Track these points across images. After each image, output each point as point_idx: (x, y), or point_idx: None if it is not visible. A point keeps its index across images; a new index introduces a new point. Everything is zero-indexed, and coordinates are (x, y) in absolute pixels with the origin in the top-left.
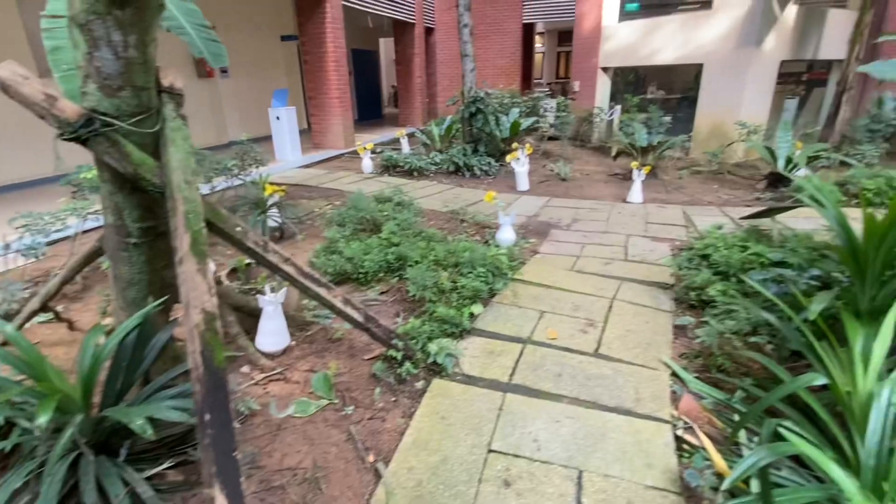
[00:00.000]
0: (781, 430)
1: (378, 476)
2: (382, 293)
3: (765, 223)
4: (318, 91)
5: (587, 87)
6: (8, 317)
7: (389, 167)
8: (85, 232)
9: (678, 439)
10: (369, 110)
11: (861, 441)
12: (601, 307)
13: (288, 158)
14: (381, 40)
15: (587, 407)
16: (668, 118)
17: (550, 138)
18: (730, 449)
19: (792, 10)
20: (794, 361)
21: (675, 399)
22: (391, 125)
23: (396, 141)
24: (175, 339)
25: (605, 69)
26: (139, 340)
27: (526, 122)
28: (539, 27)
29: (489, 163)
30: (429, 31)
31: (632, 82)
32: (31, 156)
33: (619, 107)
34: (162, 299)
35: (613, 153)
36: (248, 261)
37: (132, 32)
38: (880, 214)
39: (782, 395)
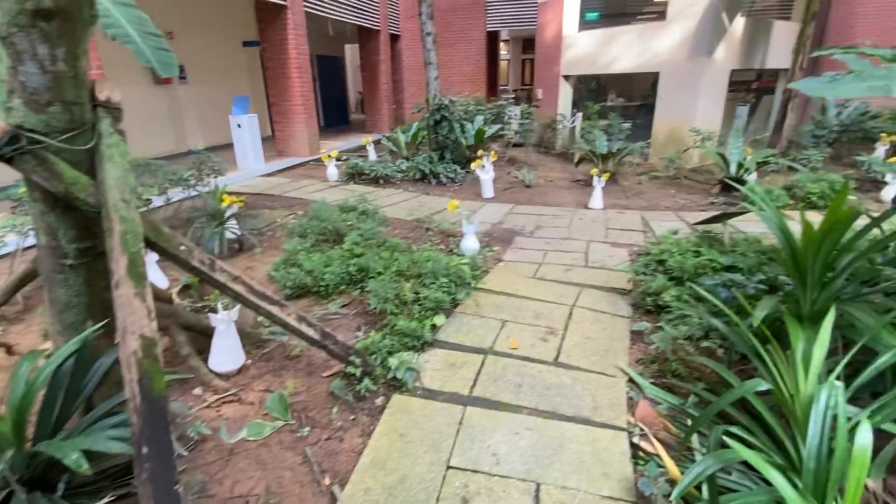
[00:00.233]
0: (727, 437)
1: (334, 499)
2: (344, 306)
3: (717, 227)
4: (282, 98)
5: (550, 95)
6: None
7: (355, 175)
8: (26, 249)
9: (634, 446)
10: (336, 116)
11: (804, 444)
12: (561, 314)
13: (250, 167)
14: (347, 46)
15: (546, 417)
16: (627, 125)
17: (515, 145)
18: (683, 454)
19: (740, 22)
20: (744, 364)
21: (631, 406)
22: (358, 131)
23: (363, 148)
24: (120, 363)
25: (566, 77)
26: (78, 367)
27: (491, 130)
28: (504, 35)
29: (455, 170)
30: (394, 38)
31: (593, 90)
32: None
33: (580, 114)
34: (102, 322)
35: (576, 160)
36: None
37: (60, 45)
38: (820, 217)
39: (731, 400)
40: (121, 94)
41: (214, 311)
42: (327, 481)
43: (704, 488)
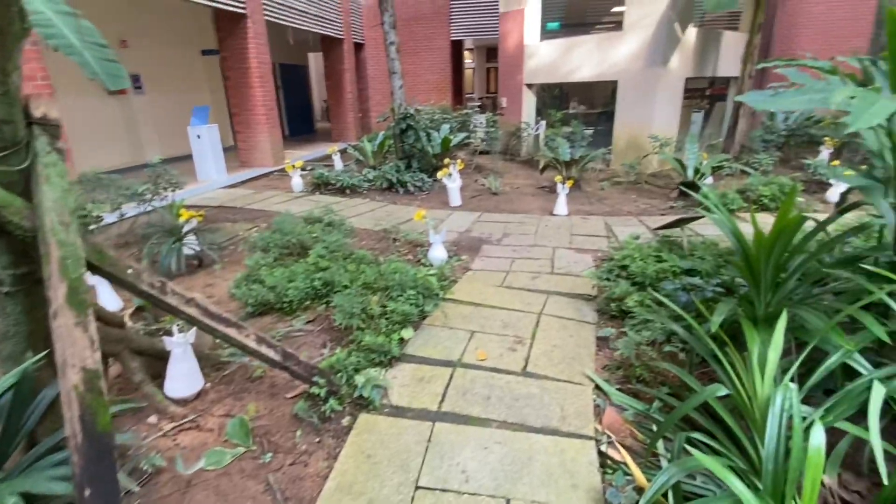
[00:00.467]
0: (689, 446)
1: None
2: (309, 322)
3: (676, 232)
4: (243, 107)
5: (514, 103)
6: None
7: (321, 185)
8: None
9: (602, 455)
10: (301, 125)
11: (763, 445)
12: (529, 323)
13: (211, 178)
14: (311, 55)
15: (515, 430)
16: (589, 131)
17: (482, 153)
18: (649, 461)
19: (692, 32)
20: (706, 367)
21: (598, 413)
22: (325, 140)
23: (329, 157)
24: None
25: (529, 85)
26: (17, 400)
27: (457, 138)
28: (468, 43)
29: (422, 179)
30: (358, 47)
31: (556, 97)
32: None
33: (544, 122)
34: (44, 353)
35: (541, 167)
36: None
37: None
38: (772, 218)
39: (693, 406)
40: (58, 111)
41: (170, 333)
42: None
43: (671, 495)
